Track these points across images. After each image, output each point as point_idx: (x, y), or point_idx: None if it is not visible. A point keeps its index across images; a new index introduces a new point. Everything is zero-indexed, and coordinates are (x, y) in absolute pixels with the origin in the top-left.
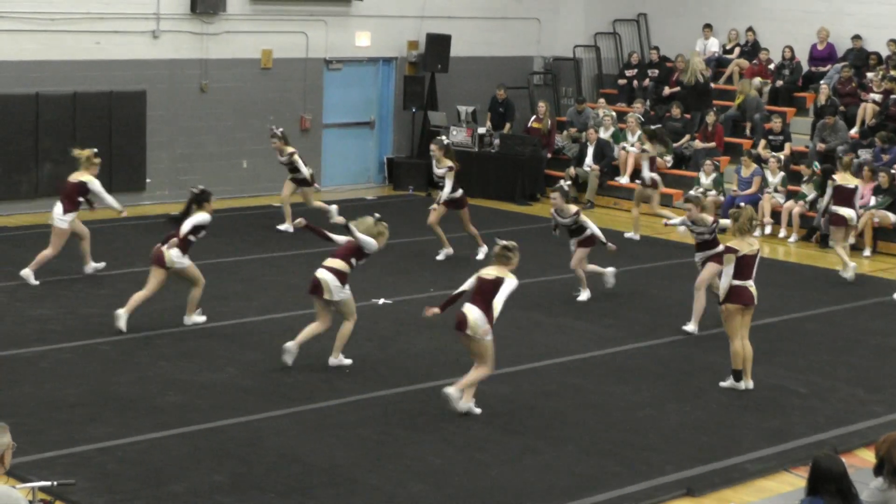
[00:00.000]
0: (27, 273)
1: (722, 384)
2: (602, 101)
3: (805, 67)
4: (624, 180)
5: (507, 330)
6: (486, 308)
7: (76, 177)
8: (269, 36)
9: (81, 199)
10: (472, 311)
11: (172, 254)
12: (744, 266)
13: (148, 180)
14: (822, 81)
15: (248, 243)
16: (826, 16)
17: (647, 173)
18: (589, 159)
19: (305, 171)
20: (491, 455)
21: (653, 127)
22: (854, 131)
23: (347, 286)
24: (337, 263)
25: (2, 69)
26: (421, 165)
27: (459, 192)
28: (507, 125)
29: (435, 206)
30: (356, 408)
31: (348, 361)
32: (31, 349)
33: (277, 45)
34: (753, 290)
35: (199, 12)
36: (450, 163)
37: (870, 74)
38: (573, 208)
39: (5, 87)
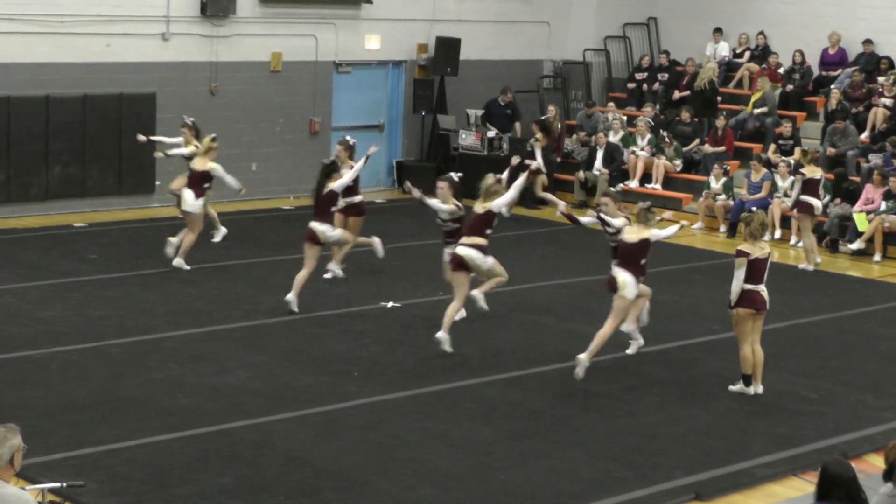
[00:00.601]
0: (179, 262)
1: (731, 388)
2: (612, 104)
3: (815, 72)
4: (633, 184)
5: (515, 334)
6: (635, 270)
7: (199, 165)
8: (279, 39)
9: (207, 184)
10: (621, 274)
11: (324, 229)
12: (755, 270)
13: (157, 183)
14: (832, 86)
15: (257, 246)
16: (837, 20)
17: (539, 161)
18: (598, 163)
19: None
20: (499, 459)
21: (543, 117)
22: (865, 136)
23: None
24: (474, 240)
25: (12, 71)
26: (430, 169)
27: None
28: (518, 125)
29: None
30: (365, 411)
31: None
32: (40, 351)
33: (287, 47)
34: (766, 294)
35: (208, 15)
36: (453, 206)
37: (881, 79)
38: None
39: (16, 90)
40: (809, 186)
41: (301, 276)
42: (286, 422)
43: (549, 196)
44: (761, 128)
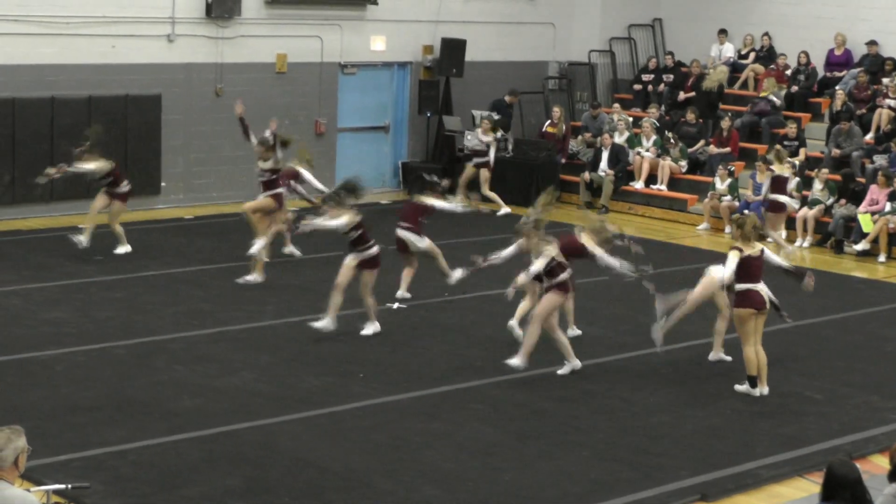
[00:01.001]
0: (291, 249)
1: (737, 388)
2: (617, 105)
3: (820, 73)
4: (639, 185)
5: (521, 335)
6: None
7: (293, 166)
8: (285, 40)
9: (293, 182)
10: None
11: (414, 239)
12: (751, 268)
13: (163, 184)
14: (837, 87)
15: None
16: (841, 21)
17: (491, 157)
18: (604, 164)
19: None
20: (505, 460)
21: (496, 117)
22: (869, 137)
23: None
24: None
25: (18, 73)
26: (436, 170)
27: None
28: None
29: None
30: (370, 412)
31: None
32: (45, 352)
33: (292, 49)
34: (765, 293)
35: (214, 16)
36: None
37: (885, 80)
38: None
39: (21, 91)
40: (778, 184)
41: (407, 274)
42: (291, 423)
43: (493, 196)
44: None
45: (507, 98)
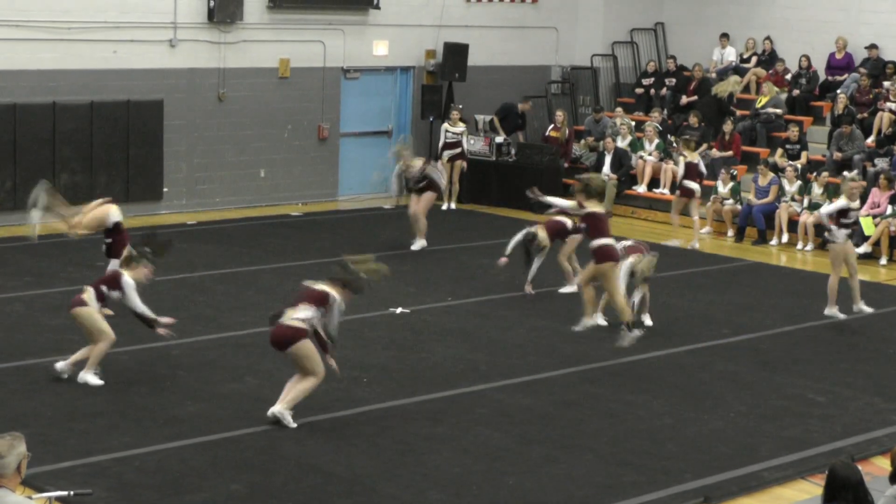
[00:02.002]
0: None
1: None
2: (619, 109)
3: (822, 76)
4: (641, 189)
5: (525, 339)
6: None
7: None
8: (287, 45)
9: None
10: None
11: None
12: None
13: (165, 189)
14: (839, 90)
15: (265, 253)
16: (843, 25)
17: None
18: (606, 168)
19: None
20: (509, 464)
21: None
22: (871, 140)
23: None
24: None
25: (19, 78)
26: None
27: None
28: (521, 134)
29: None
30: (375, 417)
31: None
32: (48, 359)
33: (295, 53)
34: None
35: (216, 21)
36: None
37: (886, 84)
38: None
39: (23, 97)
40: (690, 170)
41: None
42: (296, 428)
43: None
44: (771, 124)
45: (520, 106)
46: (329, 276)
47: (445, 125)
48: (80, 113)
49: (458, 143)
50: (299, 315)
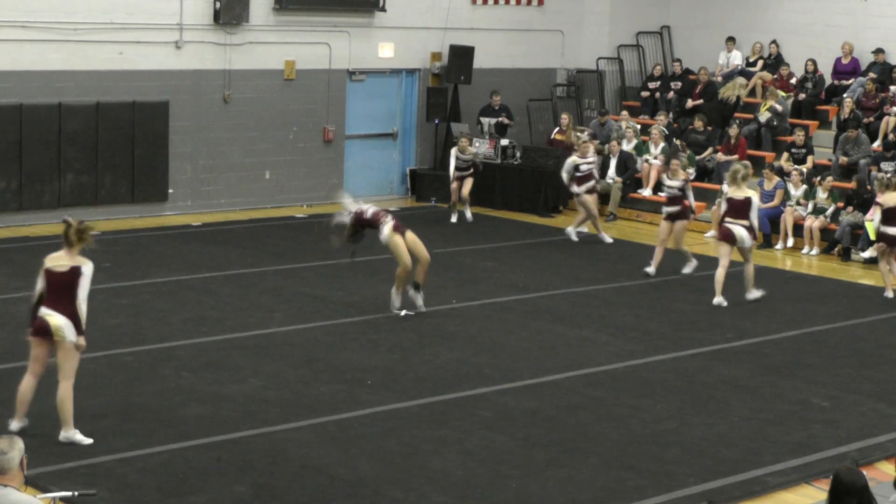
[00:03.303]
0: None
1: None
2: (625, 113)
3: (828, 81)
4: (646, 192)
5: (529, 342)
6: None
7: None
8: (293, 47)
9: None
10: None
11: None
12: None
13: (170, 191)
14: (845, 95)
15: (270, 254)
16: (849, 29)
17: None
18: (612, 171)
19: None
20: (513, 467)
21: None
22: (877, 144)
23: None
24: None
25: (25, 79)
26: (444, 177)
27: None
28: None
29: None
30: (379, 419)
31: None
32: (52, 359)
33: (301, 55)
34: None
35: (222, 23)
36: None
37: (893, 88)
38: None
39: (28, 97)
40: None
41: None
42: (300, 430)
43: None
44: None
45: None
46: None
47: (454, 151)
48: (85, 114)
49: (469, 167)
50: None
